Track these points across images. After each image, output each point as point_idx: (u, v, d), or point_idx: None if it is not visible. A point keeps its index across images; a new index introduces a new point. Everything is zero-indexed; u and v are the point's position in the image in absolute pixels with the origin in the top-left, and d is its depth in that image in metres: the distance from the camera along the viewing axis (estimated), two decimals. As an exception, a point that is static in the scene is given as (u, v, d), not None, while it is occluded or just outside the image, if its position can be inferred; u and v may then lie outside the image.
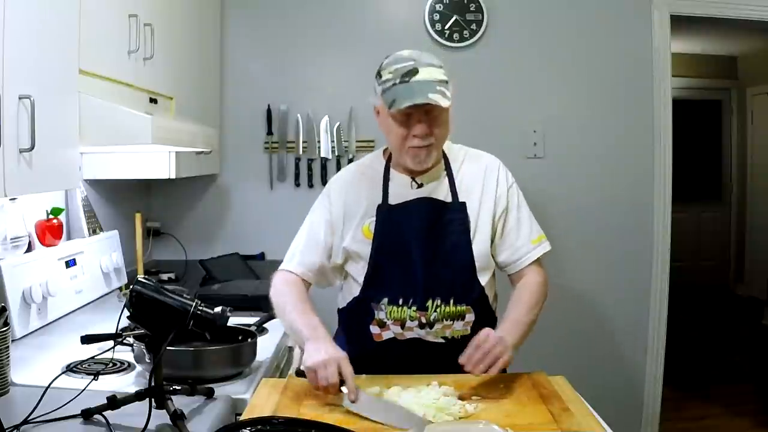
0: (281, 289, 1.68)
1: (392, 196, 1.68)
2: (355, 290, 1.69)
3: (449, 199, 1.68)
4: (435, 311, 1.63)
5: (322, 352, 1.42)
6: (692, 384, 4.15)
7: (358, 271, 1.68)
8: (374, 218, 1.66)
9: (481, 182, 1.70)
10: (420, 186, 1.68)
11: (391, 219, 1.66)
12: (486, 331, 1.50)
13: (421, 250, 1.63)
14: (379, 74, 1.61)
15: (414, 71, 1.54)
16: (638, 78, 3.08)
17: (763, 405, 3.81)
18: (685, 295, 5.32)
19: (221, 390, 1.48)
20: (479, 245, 1.67)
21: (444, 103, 1.53)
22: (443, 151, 1.71)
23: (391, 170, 1.71)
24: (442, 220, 1.66)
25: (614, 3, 3.08)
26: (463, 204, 1.67)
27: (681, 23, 3.13)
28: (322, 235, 1.71)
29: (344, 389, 1.38)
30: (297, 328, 1.57)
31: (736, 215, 6.82)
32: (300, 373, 1.46)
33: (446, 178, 1.70)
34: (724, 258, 6.91)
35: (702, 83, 6.55)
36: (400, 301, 1.63)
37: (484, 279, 1.68)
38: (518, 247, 1.70)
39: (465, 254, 1.65)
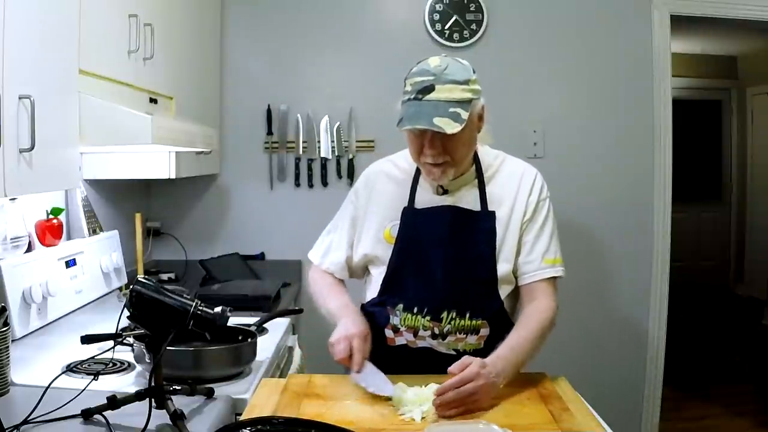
0: (315, 279, 1.78)
1: (418, 200, 1.64)
2: (375, 291, 1.68)
3: (477, 208, 1.61)
4: (449, 323, 1.59)
5: (341, 329, 1.53)
6: (692, 384, 4.15)
7: (378, 273, 1.67)
8: (397, 222, 1.63)
9: (515, 192, 1.64)
10: (445, 192, 1.63)
11: (414, 224, 1.62)
12: (476, 368, 1.34)
13: (442, 259, 1.59)
14: (405, 81, 1.53)
15: (430, 88, 1.46)
16: (638, 78, 3.08)
17: (763, 405, 3.81)
18: (685, 295, 5.33)
19: (221, 390, 1.48)
20: (505, 258, 1.61)
21: (450, 129, 1.43)
22: (477, 156, 1.64)
23: (421, 173, 1.65)
24: (466, 230, 1.60)
25: (614, 3, 3.08)
26: (492, 213, 1.61)
27: (681, 23, 3.13)
28: (347, 231, 1.74)
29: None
30: (330, 310, 1.66)
31: (736, 215, 6.83)
32: None
33: (477, 185, 1.63)
34: (724, 258, 6.92)
35: (702, 83, 6.56)
36: (415, 309, 1.60)
37: (505, 292, 1.62)
38: (529, 261, 1.62)
39: (488, 267, 1.60)
